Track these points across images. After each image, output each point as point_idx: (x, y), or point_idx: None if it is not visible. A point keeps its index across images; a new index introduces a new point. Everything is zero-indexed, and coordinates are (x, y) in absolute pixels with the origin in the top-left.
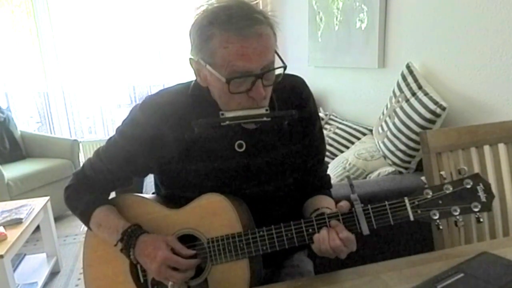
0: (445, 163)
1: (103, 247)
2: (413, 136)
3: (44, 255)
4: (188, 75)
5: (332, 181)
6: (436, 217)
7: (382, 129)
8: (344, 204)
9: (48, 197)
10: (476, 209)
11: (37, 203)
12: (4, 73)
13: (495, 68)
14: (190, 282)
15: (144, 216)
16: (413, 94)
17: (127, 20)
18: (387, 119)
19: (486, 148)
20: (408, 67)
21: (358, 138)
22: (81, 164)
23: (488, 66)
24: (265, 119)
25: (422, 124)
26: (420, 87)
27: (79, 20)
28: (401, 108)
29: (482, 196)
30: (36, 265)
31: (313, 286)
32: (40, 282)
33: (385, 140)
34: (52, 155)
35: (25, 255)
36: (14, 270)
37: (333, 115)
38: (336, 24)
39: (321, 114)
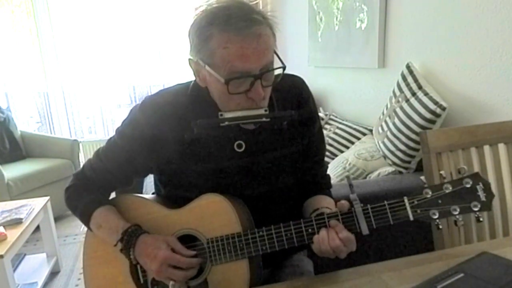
0: (445, 163)
1: (103, 247)
2: (413, 136)
3: (44, 255)
4: (188, 75)
5: (332, 181)
6: (435, 217)
7: (382, 129)
8: (344, 203)
9: (48, 197)
10: (475, 209)
11: (37, 203)
12: (4, 73)
13: (495, 68)
14: (190, 282)
15: (144, 216)
16: (413, 94)
17: (127, 20)
18: (387, 119)
19: (486, 148)
20: (408, 67)
21: (358, 138)
22: (81, 164)
23: (488, 66)
24: (264, 119)
25: (422, 124)
26: (420, 87)
27: (79, 20)
28: (401, 108)
29: (482, 195)
30: (36, 265)
31: (313, 286)
32: (40, 282)
33: (385, 140)
34: (52, 155)
35: (25, 255)
36: (14, 270)
37: (333, 115)
38: (336, 24)
39: (321, 114)
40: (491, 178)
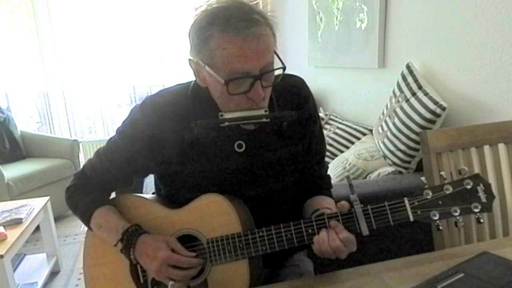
0: (445, 163)
1: (103, 247)
2: (413, 136)
3: (44, 255)
4: (188, 75)
5: (332, 181)
6: (436, 218)
7: (382, 129)
8: (344, 204)
9: (48, 197)
10: (476, 210)
11: (37, 203)
12: (4, 73)
13: (495, 68)
14: (190, 283)
15: (144, 216)
16: (413, 94)
17: (127, 20)
18: (387, 119)
19: (486, 148)
20: (408, 67)
21: (358, 138)
22: (81, 164)
23: (488, 66)
24: (264, 120)
25: (422, 124)
26: (420, 87)
27: (79, 20)
28: (401, 108)
29: (482, 196)
30: (36, 265)
31: (313, 286)
32: (40, 282)
33: (385, 140)
34: (52, 155)
35: (25, 255)
36: (14, 270)
37: (333, 115)
38: (336, 24)
39: (321, 114)
40: (491, 178)
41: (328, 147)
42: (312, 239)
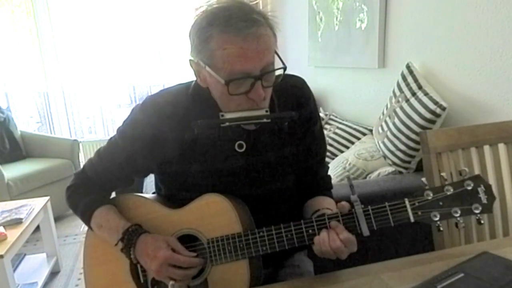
0: (445, 163)
1: (104, 246)
2: (413, 136)
3: (44, 255)
4: (188, 75)
5: (332, 181)
6: (436, 219)
7: (382, 129)
8: (344, 205)
9: (48, 197)
10: (477, 211)
11: (37, 203)
12: (4, 73)
13: (495, 68)
14: (190, 282)
15: (144, 216)
16: (413, 94)
17: (127, 20)
18: (387, 119)
19: (486, 148)
20: (408, 67)
21: (358, 138)
22: (81, 164)
23: (488, 66)
24: (265, 120)
25: (422, 124)
26: (420, 87)
27: (79, 20)
28: (401, 108)
29: (483, 197)
30: (36, 265)
31: (313, 286)
32: (40, 282)
33: (385, 140)
34: (52, 155)
35: (25, 255)
36: (14, 270)
37: (333, 115)
38: (336, 24)
39: (321, 114)
40: (491, 178)
41: (328, 147)
42: (313, 240)
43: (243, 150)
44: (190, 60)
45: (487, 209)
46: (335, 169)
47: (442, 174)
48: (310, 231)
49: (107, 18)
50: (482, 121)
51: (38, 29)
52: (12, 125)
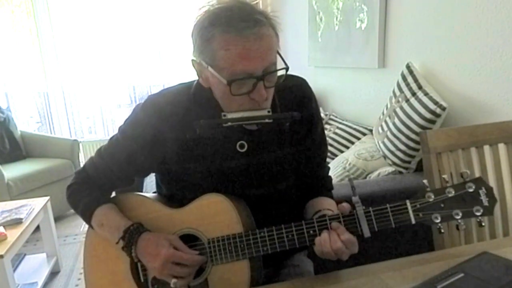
0: (445, 163)
1: (104, 246)
2: (413, 136)
3: (44, 255)
4: (188, 75)
5: (333, 182)
6: (438, 221)
7: (382, 129)
8: (345, 205)
9: (48, 197)
10: (478, 213)
11: (37, 203)
12: (4, 73)
13: (495, 68)
14: (190, 282)
15: (145, 215)
16: (413, 94)
17: (127, 20)
18: (387, 119)
19: (486, 148)
20: (408, 67)
21: (358, 138)
22: (81, 164)
23: (488, 66)
24: (267, 120)
25: (422, 124)
26: (420, 87)
27: (79, 20)
28: (401, 108)
29: (484, 200)
30: (36, 265)
31: (313, 286)
32: (40, 282)
33: (385, 140)
34: (52, 155)
35: (25, 255)
36: (14, 270)
37: (333, 115)
38: (336, 24)
39: (321, 114)
40: (491, 178)
41: (328, 147)
42: (314, 240)
43: (244, 150)
44: (192, 60)
45: (488, 211)
46: (335, 169)
47: (443, 176)
48: (311, 231)
49: (107, 18)
50: (482, 121)
51: (38, 29)
52: (12, 125)
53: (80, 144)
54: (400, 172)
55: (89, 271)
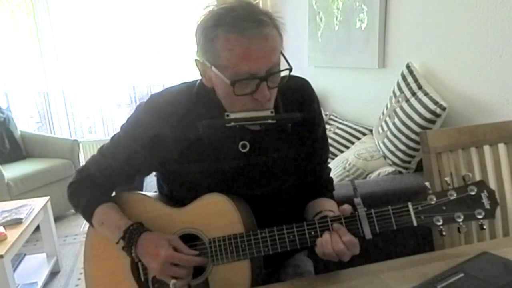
0: (445, 163)
1: (104, 245)
2: (413, 136)
3: (44, 255)
4: (188, 75)
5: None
6: (439, 223)
7: (382, 129)
8: (346, 208)
9: (48, 197)
10: (479, 216)
11: (37, 203)
12: (4, 73)
13: (495, 68)
14: (191, 282)
15: (146, 214)
16: (413, 94)
17: (127, 20)
18: (387, 119)
19: (486, 148)
20: (408, 67)
21: (358, 138)
22: (81, 164)
23: (488, 66)
24: (270, 121)
25: (422, 124)
26: (420, 87)
27: (79, 20)
28: (401, 108)
29: (486, 203)
30: (36, 265)
31: (313, 286)
32: (40, 282)
33: (385, 140)
34: (52, 155)
35: (25, 255)
36: (14, 270)
37: (333, 115)
38: (336, 24)
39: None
40: (491, 178)
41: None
42: (315, 241)
43: (246, 150)
44: (195, 60)
45: (490, 214)
46: (335, 169)
47: (445, 178)
48: (313, 233)
49: (107, 18)
50: (482, 121)
51: (38, 29)
52: (12, 125)
53: (80, 144)
54: (400, 172)
55: (89, 270)
